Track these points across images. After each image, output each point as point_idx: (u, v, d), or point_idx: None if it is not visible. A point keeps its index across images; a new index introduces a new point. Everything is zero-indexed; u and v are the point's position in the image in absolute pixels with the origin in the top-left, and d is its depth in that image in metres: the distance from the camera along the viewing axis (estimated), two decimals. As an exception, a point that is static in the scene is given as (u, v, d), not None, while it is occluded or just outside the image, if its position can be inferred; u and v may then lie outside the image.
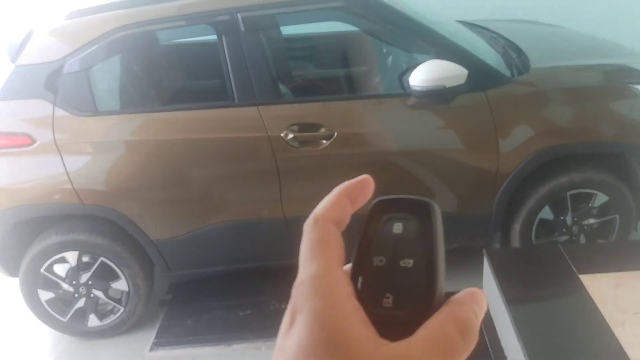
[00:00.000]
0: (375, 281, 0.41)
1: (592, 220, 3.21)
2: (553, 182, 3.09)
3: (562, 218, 3.19)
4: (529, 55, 3.25)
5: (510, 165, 2.99)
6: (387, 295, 0.40)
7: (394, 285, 0.41)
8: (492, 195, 3.07)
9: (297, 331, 0.38)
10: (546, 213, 3.18)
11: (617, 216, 3.18)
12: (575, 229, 3.21)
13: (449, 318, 0.40)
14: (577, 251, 2.92)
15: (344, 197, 0.45)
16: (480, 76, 2.92)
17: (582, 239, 3.24)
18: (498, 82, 2.97)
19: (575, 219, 3.19)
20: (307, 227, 0.44)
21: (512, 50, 3.38)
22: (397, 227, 0.42)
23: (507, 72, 3.07)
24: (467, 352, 0.39)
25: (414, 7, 3.19)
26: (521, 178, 3.03)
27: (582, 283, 2.57)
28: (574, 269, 2.67)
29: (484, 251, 2.94)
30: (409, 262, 0.41)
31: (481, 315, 0.42)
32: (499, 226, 3.20)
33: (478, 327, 0.40)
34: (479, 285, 3.01)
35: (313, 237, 0.43)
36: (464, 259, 3.42)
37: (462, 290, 0.42)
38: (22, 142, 2.89)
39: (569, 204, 3.15)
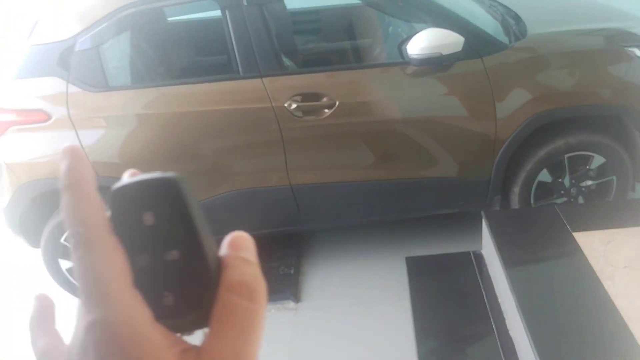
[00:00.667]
0: (148, 284, 0.38)
1: (589, 182, 3.27)
2: (550, 145, 3.15)
3: (560, 180, 3.27)
4: (526, 21, 3.31)
5: (508, 129, 3.06)
6: (165, 294, 0.38)
7: (167, 282, 0.38)
8: (491, 160, 3.15)
9: None
10: (544, 176, 3.25)
11: (614, 177, 3.25)
12: (573, 190, 3.29)
13: (226, 294, 0.38)
14: (572, 211, 3.01)
15: (94, 192, 0.39)
16: (477, 43, 3.00)
17: (581, 201, 3.31)
18: (495, 48, 3.04)
19: (573, 181, 3.27)
20: (83, 247, 0.36)
21: (510, 17, 3.44)
22: (148, 218, 0.38)
23: (504, 39, 3.13)
24: (262, 305, 0.39)
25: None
26: (519, 142, 3.10)
27: (575, 240, 2.67)
28: (568, 227, 2.77)
29: (483, 213, 3.04)
30: (174, 254, 0.38)
31: (252, 255, 0.41)
32: (499, 190, 3.28)
33: (256, 273, 0.40)
34: (478, 246, 3.12)
35: (96, 264, 0.36)
36: (465, 221, 3.54)
37: (223, 244, 0.41)
38: (38, 118, 3.02)
39: (566, 166, 3.22)
